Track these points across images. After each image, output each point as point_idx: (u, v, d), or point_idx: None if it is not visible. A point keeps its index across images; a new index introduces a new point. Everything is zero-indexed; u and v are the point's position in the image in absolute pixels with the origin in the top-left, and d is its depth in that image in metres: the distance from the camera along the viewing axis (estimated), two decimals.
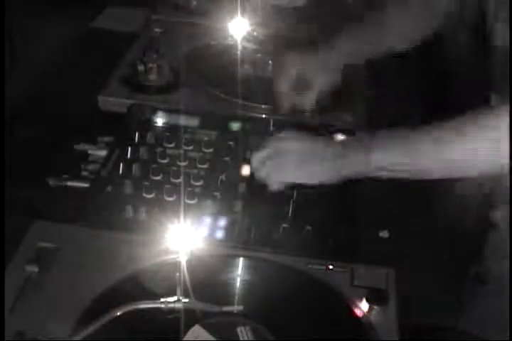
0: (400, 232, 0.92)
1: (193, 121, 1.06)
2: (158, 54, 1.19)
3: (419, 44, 1.08)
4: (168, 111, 1.07)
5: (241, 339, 0.72)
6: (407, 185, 0.97)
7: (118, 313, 0.71)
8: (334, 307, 0.78)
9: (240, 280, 0.81)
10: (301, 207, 0.93)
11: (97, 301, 0.74)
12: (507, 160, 0.75)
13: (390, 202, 0.98)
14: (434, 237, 0.93)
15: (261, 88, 1.18)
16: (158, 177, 0.95)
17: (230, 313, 0.75)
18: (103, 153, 1.00)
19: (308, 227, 0.89)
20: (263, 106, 1.13)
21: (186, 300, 0.73)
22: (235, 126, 1.06)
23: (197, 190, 0.93)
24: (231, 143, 1.02)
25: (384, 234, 0.92)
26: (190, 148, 1.01)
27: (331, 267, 0.83)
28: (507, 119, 0.74)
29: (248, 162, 0.97)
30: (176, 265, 0.72)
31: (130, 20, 1.41)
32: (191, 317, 0.73)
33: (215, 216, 0.90)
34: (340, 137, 0.99)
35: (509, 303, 0.93)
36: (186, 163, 0.98)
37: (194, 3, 1.44)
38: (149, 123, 1.06)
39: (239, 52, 1.18)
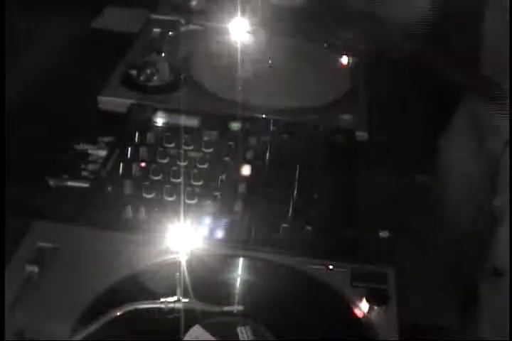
0: (400, 232, 0.92)
1: (193, 121, 1.06)
2: (158, 54, 1.19)
3: None
4: (168, 111, 1.07)
5: (241, 339, 0.72)
6: (407, 185, 0.98)
7: (118, 313, 0.71)
8: (334, 307, 0.78)
9: (240, 280, 0.81)
10: (301, 207, 0.93)
11: (97, 301, 0.74)
12: None
13: (390, 201, 0.98)
14: (435, 236, 0.93)
15: (261, 88, 1.18)
16: (158, 177, 0.95)
17: (230, 313, 0.75)
18: (103, 153, 1.00)
19: (308, 227, 0.89)
20: (263, 106, 1.13)
21: (186, 300, 0.73)
22: (235, 126, 1.06)
23: (197, 190, 0.93)
24: (231, 143, 1.02)
25: (384, 234, 0.92)
26: (190, 148, 1.01)
27: (331, 267, 0.83)
28: None
29: (248, 162, 0.97)
30: (176, 265, 0.72)
31: (130, 20, 1.40)
32: (191, 317, 0.73)
33: (215, 216, 0.90)
34: None
35: (509, 302, 0.93)
36: (186, 163, 0.98)
37: (194, 3, 1.44)
38: (149, 123, 1.06)
39: (239, 52, 1.18)
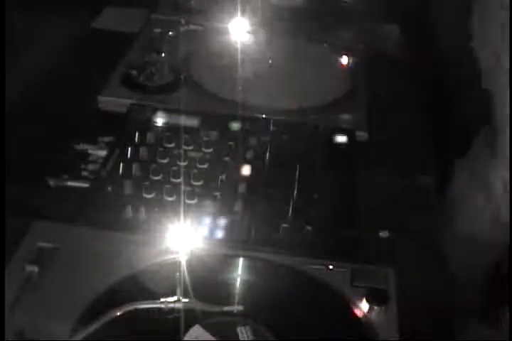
0: (400, 232, 0.92)
1: (193, 121, 1.06)
2: (158, 54, 1.19)
3: None
4: (168, 111, 1.07)
5: (241, 339, 0.72)
6: (407, 185, 0.97)
7: (118, 313, 0.71)
8: (334, 307, 0.78)
9: (240, 280, 0.81)
10: (301, 207, 0.93)
11: (97, 301, 0.74)
12: None
13: (390, 202, 0.98)
14: (434, 237, 0.93)
15: (261, 88, 1.18)
16: (158, 177, 0.95)
17: (230, 313, 0.75)
18: (103, 153, 1.00)
19: (308, 227, 0.89)
20: (263, 106, 1.13)
21: (186, 300, 0.73)
22: (235, 126, 1.06)
23: (197, 190, 0.93)
24: (231, 143, 1.02)
25: (384, 234, 0.92)
26: (190, 148, 1.01)
27: (331, 267, 0.82)
28: None
29: (248, 162, 0.97)
30: (176, 265, 0.72)
31: (130, 20, 1.40)
32: (191, 317, 0.73)
33: (215, 216, 0.90)
34: None
35: (509, 301, 0.93)
36: (186, 163, 0.98)
37: (194, 3, 1.44)
38: (149, 123, 1.06)
39: (239, 52, 1.18)
